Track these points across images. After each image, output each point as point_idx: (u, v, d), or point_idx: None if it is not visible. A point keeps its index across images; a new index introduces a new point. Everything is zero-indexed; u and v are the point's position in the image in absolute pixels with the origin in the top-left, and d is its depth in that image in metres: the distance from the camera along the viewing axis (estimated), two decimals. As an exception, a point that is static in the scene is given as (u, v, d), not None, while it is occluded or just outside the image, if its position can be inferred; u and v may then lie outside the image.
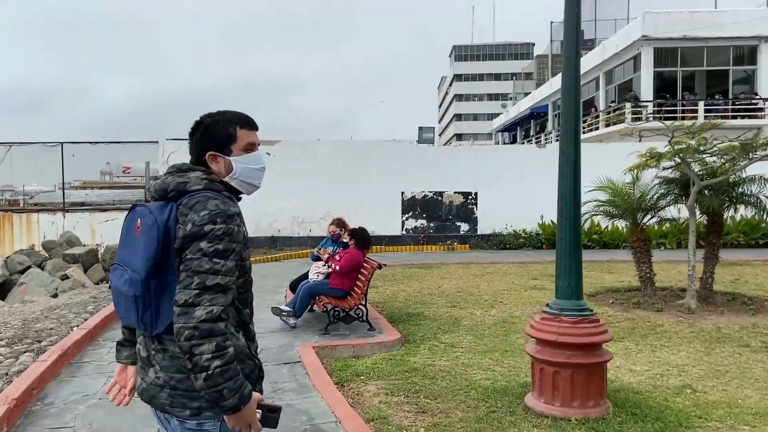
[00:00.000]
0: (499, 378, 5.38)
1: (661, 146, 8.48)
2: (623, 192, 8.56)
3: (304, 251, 15.32)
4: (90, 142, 19.47)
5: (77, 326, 7.06)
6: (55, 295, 10.32)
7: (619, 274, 11.18)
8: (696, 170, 7.92)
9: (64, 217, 16.98)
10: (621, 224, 13.54)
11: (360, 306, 7.10)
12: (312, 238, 16.33)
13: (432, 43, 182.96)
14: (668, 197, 8.37)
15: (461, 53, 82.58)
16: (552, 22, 44.92)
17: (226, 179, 2.05)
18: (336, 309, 7.05)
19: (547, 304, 4.72)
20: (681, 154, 7.38)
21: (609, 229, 14.98)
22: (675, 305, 8.07)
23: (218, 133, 2.04)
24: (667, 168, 8.19)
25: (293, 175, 15.91)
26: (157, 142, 17.07)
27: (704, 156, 7.75)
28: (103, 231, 16.29)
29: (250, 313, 2.10)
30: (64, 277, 11.36)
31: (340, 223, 8.06)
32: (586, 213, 9.50)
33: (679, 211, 9.01)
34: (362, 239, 7.38)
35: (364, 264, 7.41)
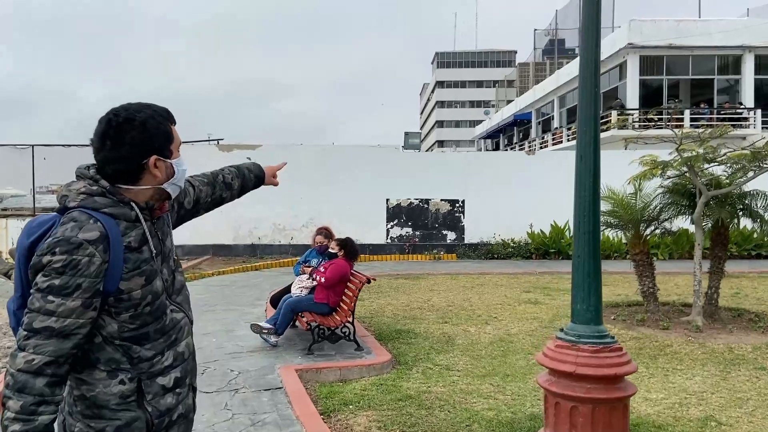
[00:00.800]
0: (502, 408, 4.85)
1: (661, 154, 8.05)
2: (625, 202, 8.10)
3: (285, 260, 14.70)
4: (62, 145, 18.73)
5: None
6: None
7: (615, 286, 10.75)
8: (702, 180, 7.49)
9: (33, 222, 16.14)
10: (612, 234, 13.19)
11: (347, 323, 6.53)
12: (293, 246, 15.72)
13: (414, 50, 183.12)
14: (672, 208, 7.92)
15: (443, 60, 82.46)
16: (536, 30, 45.00)
17: (164, 186, 1.81)
18: (321, 327, 6.47)
19: (561, 329, 4.19)
20: (690, 163, 6.94)
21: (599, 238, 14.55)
22: (681, 323, 7.62)
23: (158, 132, 1.76)
24: (672, 177, 7.75)
25: (274, 181, 15.26)
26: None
27: (713, 165, 7.32)
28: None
29: (169, 340, 1.83)
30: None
31: (327, 233, 7.48)
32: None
33: (671, 222, 8.58)
34: (352, 250, 6.83)
35: (351, 277, 6.85)
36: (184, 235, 15.21)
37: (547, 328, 7.55)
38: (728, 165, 7.36)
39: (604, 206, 8.53)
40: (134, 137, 1.70)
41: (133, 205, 1.74)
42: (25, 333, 1.58)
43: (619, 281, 11.37)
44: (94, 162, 1.76)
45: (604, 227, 8.78)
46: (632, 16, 26.45)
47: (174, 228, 2.15)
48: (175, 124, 1.84)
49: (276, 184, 2.57)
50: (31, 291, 1.60)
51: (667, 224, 8.19)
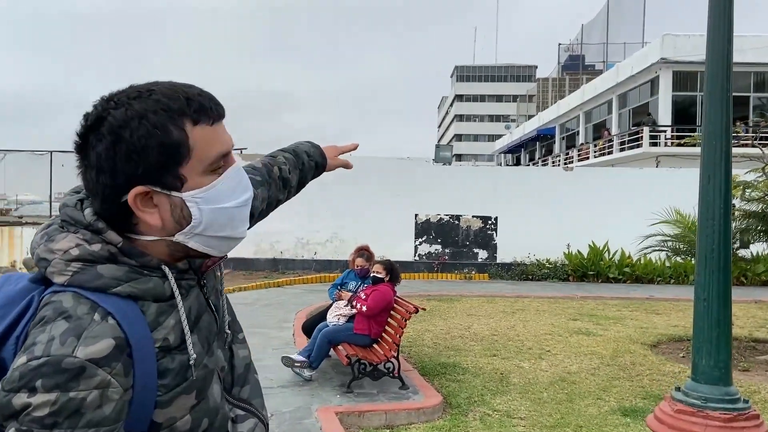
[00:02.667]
0: (590, 474, 4.06)
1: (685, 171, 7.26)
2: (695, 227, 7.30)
3: (309, 276, 14.01)
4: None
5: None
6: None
7: (668, 315, 9.89)
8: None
9: (49, 231, 15.63)
10: (654, 257, 12.37)
11: (391, 359, 5.78)
12: (317, 261, 15.01)
13: (433, 63, 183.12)
14: (749, 233, 7.12)
15: (463, 74, 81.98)
16: (560, 44, 44.24)
17: (177, 238, 0.99)
18: (362, 362, 5.72)
19: (678, 388, 3.42)
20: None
21: (642, 261, 13.72)
22: (758, 362, 6.80)
23: (148, 142, 0.93)
24: (752, 200, 6.95)
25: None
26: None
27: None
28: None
29: None
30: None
31: (369, 255, 6.73)
32: (648, 247, 8.31)
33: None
34: (397, 274, 6.11)
35: (396, 305, 6.11)
36: (203, 247, 14.60)
37: (611, 367, 6.74)
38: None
39: (670, 230, 7.76)
40: (101, 153, 0.93)
41: (167, 270, 0.99)
42: None
43: (670, 309, 10.51)
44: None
45: (667, 252, 8.00)
46: (663, 30, 25.65)
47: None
48: (215, 118, 0.99)
49: (349, 166, 1.81)
50: None
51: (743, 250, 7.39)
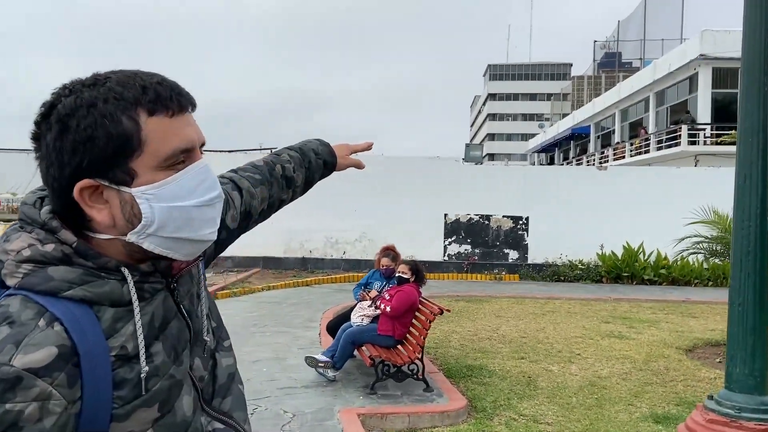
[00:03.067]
0: (618, 484, 3.92)
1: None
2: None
3: (337, 275, 13.99)
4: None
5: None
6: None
7: (705, 319, 9.58)
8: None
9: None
10: (692, 258, 12.00)
11: (416, 360, 5.69)
12: (346, 260, 15.00)
13: (465, 62, 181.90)
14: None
15: (496, 72, 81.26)
16: (595, 41, 43.45)
17: (129, 238, 0.91)
18: (386, 363, 5.65)
19: (711, 397, 3.26)
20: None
21: (678, 263, 13.34)
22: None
23: (94, 136, 0.87)
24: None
25: (325, 192, 14.55)
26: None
27: None
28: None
29: None
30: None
31: (395, 255, 6.65)
32: (684, 250, 8.05)
33: None
34: (422, 275, 6.02)
35: (421, 306, 6.02)
36: (232, 246, 14.62)
37: (643, 372, 6.53)
38: None
39: (707, 231, 7.49)
40: (49, 143, 0.88)
41: (126, 273, 0.91)
42: None
43: (707, 312, 10.19)
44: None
45: (704, 254, 7.73)
46: (703, 26, 24.97)
47: (214, 259, 1.33)
48: (176, 109, 0.91)
49: (360, 166, 1.72)
50: None
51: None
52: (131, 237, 0.90)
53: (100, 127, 0.86)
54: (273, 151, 1.58)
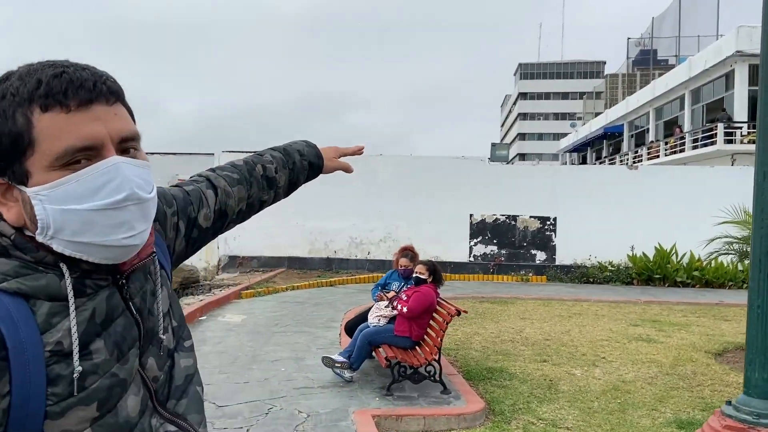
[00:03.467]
0: (635, 492, 3.79)
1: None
2: None
3: (362, 276, 13.97)
4: (146, 153, 18.94)
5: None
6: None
7: (738, 322, 9.28)
8: None
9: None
10: (726, 260, 11.65)
11: (432, 362, 5.62)
12: (370, 261, 14.97)
13: (496, 61, 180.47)
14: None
15: (527, 71, 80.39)
16: (629, 38, 42.63)
17: (38, 238, 0.87)
18: (402, 364, 5.59)
19: (729, 402, 3.13)
20: None
21: (712, 265, 12.97)
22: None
23: None
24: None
25: (350, 193, 14.61)
26: (212, 154, 16.25)
27: None
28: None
29: None
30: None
31: (413, 255, 6.58)
32: (715, 251, 7.81)
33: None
34: (440, 276, 5.94)
35: (438, 307, 5.94)
36: (258, 246, 14.80)
37: (670, 376, 6.34)
38: None
39: (739, 232, 7.25)
40: None
41: (64, 268, 0.88)
42: None
43: (741, 316, 9.85)
44: None
45: (734, 256, 7.48)
46: (739, 22, 24.30)
47: (187, 257, 1.29)
48: (73, 105, 0.85)
49: (348, 170, 1.66)
50: None
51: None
52: (38, 237, 0.87)
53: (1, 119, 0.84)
54: (256, 152, 1.54)
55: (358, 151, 1.73)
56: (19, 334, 0.82)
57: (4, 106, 0.85)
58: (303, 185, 1.61)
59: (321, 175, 1.67)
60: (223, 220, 1.35)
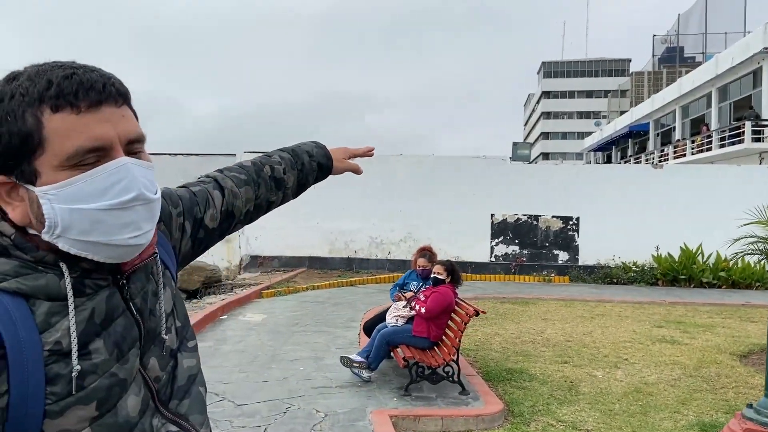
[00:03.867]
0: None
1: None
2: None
3: (382, 276, 13.97)
4: (169, 154, 19.12)
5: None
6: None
7: (765, 324, 9.07)
8: None
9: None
10: (753, 260, 11.42)
11: (450, 362, 5.59)
12: (391, 261, 14.96)
13: (519, 60, 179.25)
14: None
15: (551, 69, 79.66)
16: (655, 36, 42.02)
17: (44, 237, 0.88)
18: (420, 365, 5.57)
19: (750, 405, 3.06)
20: None
21: (739, 265, 12.71)
22: None
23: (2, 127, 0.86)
24: None
25: (371, 193, 14.62)
26: (235, 154, 16.36)
27: None
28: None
29: None
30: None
31: (431, 255, 6.56)
32: (740, 252, 7.65)
33: None
34: (458, 276, 5.91)
35: (456, 307, 5.91)
36: (279, 246, 14.88)
37: (693, 378, 6.23)
38: None
39: (764, 232, 7.09)
40: None
41: (64, 268, 0.89)
42: None
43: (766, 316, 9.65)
44: None
45: (759, 255, 7.32)
46: (766, 19, 23.78)
47: (194, 258, 1.29)
48: (83, 106, 0.87)
49: (358, 171, 1.66)
50: None
51: None
52: (44, 236, 0.88)
53: (4, 124, 0.85)
54: (264, 152, 1.54)
55: (369, 152, 1.72)
56: (18, 334, 0.83)
57: (13, 105, 0.85)
58: (312, 186, 1.62)
59: (336, 176, 1.67)
60: (230, 221, 1.35)
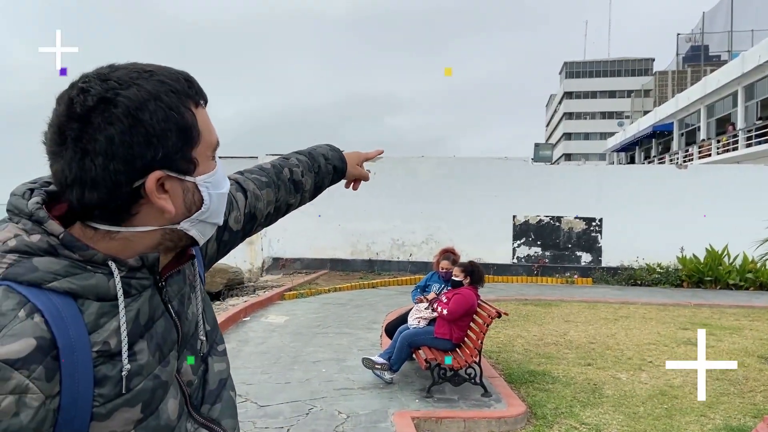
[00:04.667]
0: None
1: None
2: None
3: (403, 278, 13.96)
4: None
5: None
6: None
7: (793, 327, 8.91)
8: None
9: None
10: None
11: (472, 364, 5.57)
12: (413, 263, 14.94)
13: (540, 60, 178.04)
14: None
15: (572, 70, 78.94)
16: (678, 34, 41.44)
17: (182, 226, 0.94)
18: (442, 367, 5.56)
19: (780, 409, 3.01)
20: None
21: (767, 267, 12.45)
22: None
23: (166, 124, 0.88)
24: None
25: (392, 194, 14.63)
26: (257, 157, 16.47)
27: None
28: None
29: None
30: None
31: (454, 257, 6.54)
32: (766, 253, 7.52)
33: None
34: (479, 277, 5.89)
35: (479, 309, 5.89)
36: (301, 247, 14.96)
37: (720, 381, 6.14)
38: None
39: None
40: (114, 137, 0.84)
41: (113, 266, 0.89)
42: None
43: (798, 320, 9.47)
44: (48, 179, 0.93)
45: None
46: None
47: (218, 260, 1.30)
48: (203, 102, 0.95)
49: (366, 178, 1.68)
50: None
51: None
52: (184, 224, 0.94)
53: (170, 120, 0.88)
54: (281, 155, 1.56)
55: (379, 154, 1.74)
56: (69, 334, 0.82)
57: (172, 101, 0.89)
58: (326, 189, 1.64)
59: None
60: (252, 223, 1.36)
